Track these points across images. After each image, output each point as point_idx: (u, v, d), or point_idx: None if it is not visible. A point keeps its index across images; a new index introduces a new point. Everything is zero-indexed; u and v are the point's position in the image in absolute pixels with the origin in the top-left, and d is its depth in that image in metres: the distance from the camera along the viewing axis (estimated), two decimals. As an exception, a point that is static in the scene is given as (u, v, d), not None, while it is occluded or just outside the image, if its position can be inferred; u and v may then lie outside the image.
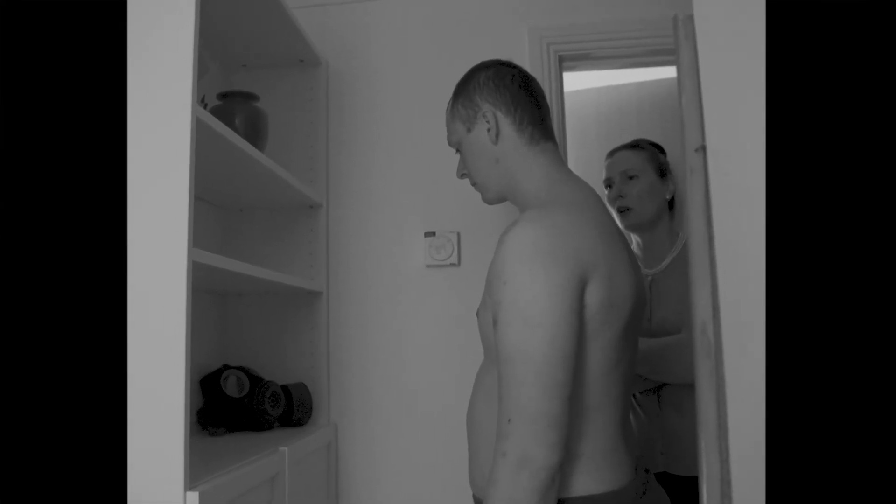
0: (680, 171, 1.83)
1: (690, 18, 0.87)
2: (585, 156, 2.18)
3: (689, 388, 1.41)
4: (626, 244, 1.14)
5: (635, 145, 1.78)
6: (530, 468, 0.92)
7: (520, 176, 1.18)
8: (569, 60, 2.00)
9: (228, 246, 1.92)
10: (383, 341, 1.93)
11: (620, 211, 1.73)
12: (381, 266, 1.95)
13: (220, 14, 1.63)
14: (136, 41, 1.12)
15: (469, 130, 1.21)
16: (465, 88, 1.23)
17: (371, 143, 2.00)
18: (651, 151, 1.77)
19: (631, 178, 1.73)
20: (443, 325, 1.90)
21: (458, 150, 1.27)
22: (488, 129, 1.19)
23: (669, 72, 2.20)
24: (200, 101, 1.32)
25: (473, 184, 1.27)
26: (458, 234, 1.92)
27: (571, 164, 1.60)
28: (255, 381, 1.72)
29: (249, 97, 1.66)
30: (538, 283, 0.97)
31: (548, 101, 1.27)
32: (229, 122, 1.50)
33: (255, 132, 1.61)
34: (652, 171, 1.73)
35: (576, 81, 2.28)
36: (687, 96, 0.86)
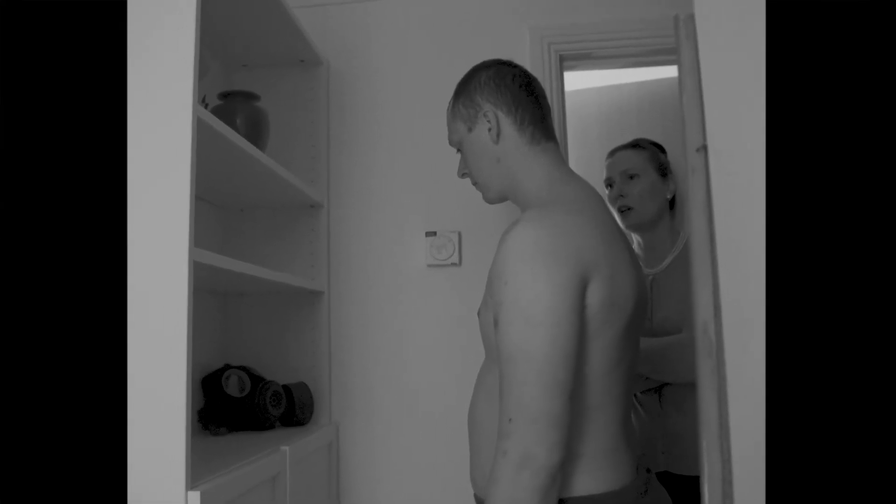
0: (680, 170, 1.83)
1: (691, 18, 0.87)
2: (586, 155, 2.18)
3: (691, 387, 1.41)
4: (627, 243, 1.13)
5: (636, 145, 1.78)
6: (531, 467, 0.92)
7: (521, 175, 1.18)
8: (570, 60, 2.00)
9: (229, 246, 1.92)
10: (384, 341, 1.93)
11: (621, 210, 1.73)
12: (383, 266, 1.95)
13: (221, 14, 1.63)
14: (137, 41, 1.12)
15: (470, 130, 1.21)
16: (466, 88, 1.23)
17: (372, 143, 2.00)
18: (652, 151, 1.77)
19: (632, 177, 1.72)
20: (444, 324, 1.90)
21: (459, 150, 1.27)
22: (489, 129, 1.19)
23: (670, 71, 2.20)
24: (201, 100, 1.32)
25: (474, 183, 1.27)
26: (459, 234, 1.92)
27: (572, 164, 1.60)
28: (257, 380, 1.73)
29: (250, 97, 1.66)
30: (539, 282, 0.97)
31: (548, 100, 1.27)
32: (230, 122, 1.50)
33: (255, 132, 1.62)
34: (653, 171, 1.73)
35: (577, 81, 2.28)
36: (688, 96, 0.86)
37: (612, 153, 1.81)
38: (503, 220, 1.85)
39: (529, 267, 0.98)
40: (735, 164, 0.80)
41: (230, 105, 1.62)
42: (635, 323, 1.10)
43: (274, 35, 1.79)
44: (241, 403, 1.67)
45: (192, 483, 1.06)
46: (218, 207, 1.90)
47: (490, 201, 1.27)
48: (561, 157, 1.21)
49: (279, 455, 1.42)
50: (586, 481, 1.02)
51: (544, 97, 1.24)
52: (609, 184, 1.78)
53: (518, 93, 1.19)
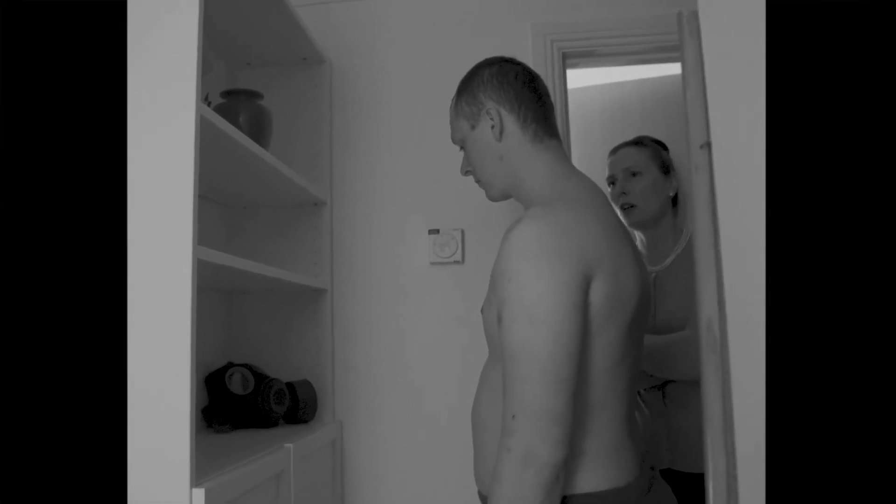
0: (683, 167, 1.82)
1: (695, 15, 0.87)
2: (589, 153, 2.17)
3: (694, 384, 1.41)
4: (630, 241, 1.13)
5: (638, 142, 1.78)
6: (535, 465, 0.93)
7: (524, 173, 1.18)
8: (572, 57, 2.00)
9: (232, 244, 1.92)
10: (388, 338, 1.93)
11: (624, 208, 1.73)
12: (386, 263, 1.95)
13: (224, 13, 1.63)
14: (140, 40, 1.12)
15: (473, 128, 1.21)
16: (469, 85, 1.23)
17: (375, 141, 2.00)
18: (654, 148, 1.77)
19: (634, 175, 1.72)
20: (447, 322, 1.90)
21: (461, 148, 1.27)
22: (492, 127, 1.18)
23: (673, 68, 2.20)
24: (204, 99, 1.32)
25: (477, 181, 1.27)
26: (462, 232, 1.92)
27: (575, 161, 1.59)
28: (260, 378, 1.73)
29: (253, 95, 1.66)
30: (543, 280, 0.97)
31: (551, 98, 1.27)
32: (233, 120, 1.50)
33: (259, 130, 1.62)
34: (655, 168, 1.73)
35: (579, 78, 2.28)
36: (691, 93, 0.86)
37: (615, 151, 1.81)
38: (506, 218, 1.85)
39: (533, 264, 0.98)
40: (739, 160, 0.80)
41: (233, 103, 1.62)
42: (638, 320, 1.10)
43: (277, 33, 1.79)
44: (244, 401, 1.67)
45: (196, 480, 1.06)
46: (221, 205, 1.90)
47: (493, 199, 1.27)
48: (564, 155, 1.21)
49: (283, 452, 1.42)
50: (590, 478, 1.02)
51: (547, 94, 1.24)
52: (611, 181, 1.78)
53: (521, 90, 1.19)
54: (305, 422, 1.79)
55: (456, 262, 1.91)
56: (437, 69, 1.96)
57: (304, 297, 1.90)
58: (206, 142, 1.20)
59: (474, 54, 1.34)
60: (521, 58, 1.28)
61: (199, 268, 1.13)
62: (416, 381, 1.90)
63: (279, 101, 1.92)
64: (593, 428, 1.03)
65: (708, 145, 0.83)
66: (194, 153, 1.11)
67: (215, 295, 1.85)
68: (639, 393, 1.68)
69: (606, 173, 1.80)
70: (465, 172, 1.29)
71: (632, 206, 1.71)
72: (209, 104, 1.52)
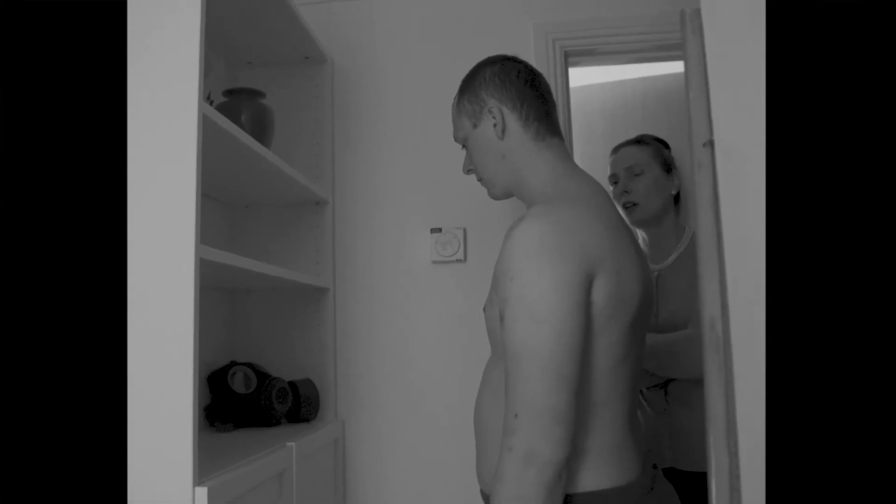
0: (685, 166, 1.82)
1: (698, 13, 0.87)
2: (591, 151, 2.17)
3: (696, 383, 1.42)
4: (633, 239, 1.13)
5: (639, 141, 1.78)
6: (537, 463, 0.93)
7: (526, 171, 1.18)
8: (574, 56, 1.99)
9: (235, 242, 1.93)
10: (390, 337, 1.93)
11: (626, 206, 1.73)
12: (388, 262, 1.95)
13: (226, 11, 1.63)
14: (142, 39, 1.12)
15: (475, 126, 1.21)
16: (471, 84, 1.23)
17: (377, 140, 2.00)
18: (655, 147, 1.77)
19: (636, 174, 1.72)
20: (449, 321, 1.90)
21: (464, 146, 1.27)
22: (494, 125, 1.18)
23: (675, 67, 2.20)
24: (206, 98, 1.32)
25: (480, 179, 1.27)
26: (465, 230, 1.92)
27: (577, 160, 1.59)
28: (263, 377, 1.73)
29: (255, 94, 1.66)
30: (545, 278, 0.97)
31: (553, 96, 1.26)
32: (235, 119, 1.50)
33: (260, 129, 1.62)
34: (657, 167, 1.73)
35: (581, 77, 2.28)
36: (694, 91, 0.86)
37: (616, 150, 1.81)
38: (508, 217, 1.85)
39: (535, 263, 0.98)
40: (742, 158, 0.80)
41: (235, 102, 1.62)
42: (641, 319, 1.10)
43: (278, 32, 1.79)
44: (247, 400, 1.68)
45: (199, 479, 1.07)
46: (224, 204, 1.91)
47: (495, 197, 1.27)
48: (566, 153, 1.21)
49: (285, 451, 1.43)
50: (592, 477, 1.02)
51: (549, 93, 1.24)
52: (613, 180, 1.78)
53: (523, 88, 1.19)
54: (307, 421, 1.79)
55: (458, 260, 1.91)
56: (439, 68, 1.96)
57: (307, 296, 1.91)
58: (209, 141, 1.20)
59: (476, 53, 1.34)
60: (522, 56, 1.28)
61: (202, 267, 1.14)
62: (419, 380, 1.90)
63: (281, 101, 1.92)
64: (595, 427, 1.03)
65: (710, 143, 0.83)
66: (197, 152, 1.11)
67: (217, 294, 1.85)
68: (641, 392, 1.68)
69: (608, 172, 1.80)
70: (468, 171, 1.29)
71: (634, 205, 1.71)
72: (211, 103, 1.52)
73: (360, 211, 1.98)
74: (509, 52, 1.29)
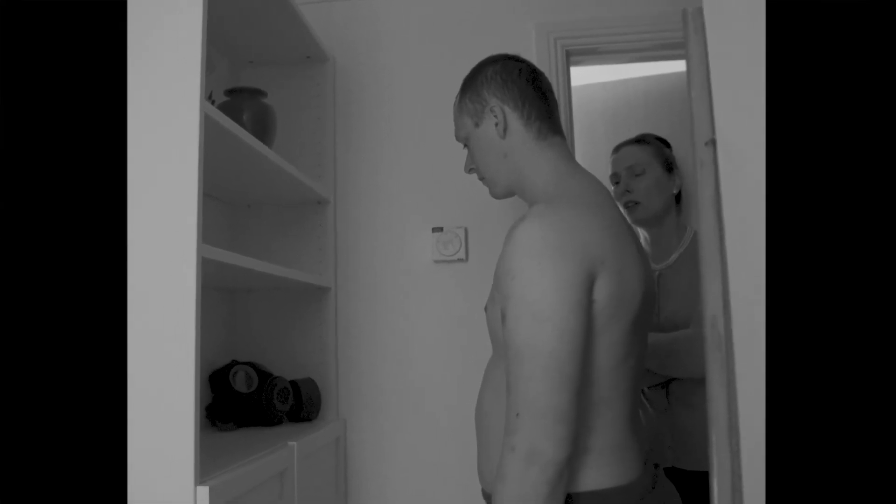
0: (686, 165, 1.82)
1: (700, 11, 0.87)
2: (593, 150, 2.17)
3: (698, 382, 1.41)
4: (635, 238, 1.13)
5: (641, 140, 1.78)
6: (539, 463, 0.92)
7: (528, 170, 1.18)
8: (576, 55, 1.99)
9: (236, 242, 1.93)
10: (391, 336, 1.93)
11: (627, 206, 1.73)
12: (389, 261, 1.95)
13: (227, 11, 1.63)
14: (144, 38, 1.13)
15: (477, 125, 1.21)
16: (473, 83, 1.23)
17: (378, 139, 2.00)
18: (657, 146, 1.76)
19: (637, 174, 1.72)
20: (450, 320, 1.90)
21: (465, 145, 1.27)
22: (496, 124, 1.18)
23: (676, 66, 2.19)
24: (208, 97, 1.32)
25: (481, 178, 1.26)
26: (466, 230, 1.92)
27: (579, 159, 1.58)
28: (264, 376, 1.73)
29: (257, 93, 1.66)
30: (546, 277, 0.97)
31: (555, 95, 1.26)
32: (237, 119, 1.50)
33: (262, 128, 1.62)
34: (658, 166, 1.73)
35: (583, 76, 2.28)
36: (696, 90, 0.86)
37: (617, 149, 1.81)
38: (510, 216, 1.85)
39: (536, 262, 0.98)
40: (744, 157, 0.80)
41: (237, 101, 1.62)
42: (643, 318, 1.10)
43: (280, 32, 1.79)
44: (248, 399, 1.68)
45: (200, 478, 1.07)
46: (225, 204, 1.91)
47: (497, 196, 1.27)
48: (568, 152, 1.21)
49: (287, 451, 1.43)
50: (594, 476, 1.02)
51: (551, 92, 1.23)
52: (615, 180, 1.78)
53: (525, 87, 1.19)
54: (309, 420, 1.79)
55: (459, 260, 1.91)
56: (441, 67, 1.96)
57: (308, 295, 1.91)
58: (210, 140, 1.20)
59: (478, 52, 1.34)
60: (524, 56, 1.28)
61: (204, 266, 1.14)
62: (420, 379, 1.90)
63: (282, 100, 1.92)
64: (597, 426, 1.03)
65: (713, 142, 0.83)
66: (198, 151, 1.11)
67: (219, 293, 1.85)
68: (642, 391, 1.68)
69: (609, 171, 1.80)
70: (469, 170, 1.29)
71: (636, 204, 1.71)
72: (213, 102, 1.52)
73: (361, 210, 1.98)
74: (511, 51, 1.29)
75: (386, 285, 1.95)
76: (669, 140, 1.83)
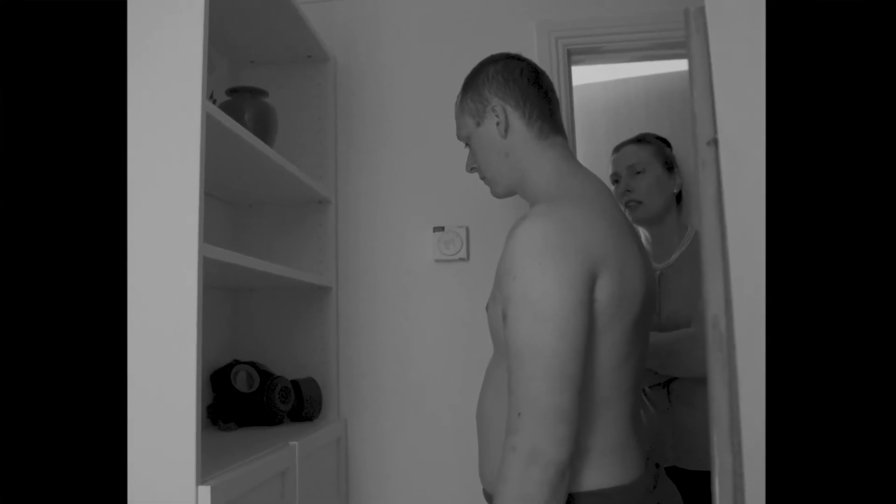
0: (686, 164, 1.82)
1: (702, 11, 0.86)
2: (594, 150, 2.17)
3: (699, 381, 1.41)
4: (636, 237, 1.13)
5: (641, 139, 1.78)
6: (540, 462, 0.92)
7: (529, 170, 1.18)
8: (577, 54, 1.99)
9: (238, 241, 1.93)
10: (392, 336, 1.93)
11: (628, 205, 1.72)
12: (390, 261, 1.95)
13: (228, 10, 1.63)
14: (144, 38, 1.13)
15: (478, 124, 1.21)
16: (475, 82, 1.23)
17: (379, 138, 2.00)
18: (657, 145, 1.76)
19: (638, 172, 1.72)
20: (452, 319, 1.90)
21: (467, 145, 1.27)
22: (497, 123, 1.18)
23: (678, 65, 2.19)
24: (209, 97, 1.32)
25: (483, 178, 1.26)
26: (467, 229, 1.92)
27: (580, 158, 1.59)
28: (265, 376, 1.73)
29: (258, 93, 1.66)
30: (548, 277, 0.97)
31: (556, 94, 1.26)
32: (238, 118, 1.50)
33: (263, 128, 1.62)
34: (658, 165, 1.73)
35: (584, 75, 2.28)
36: (698, 89, 0.86)
37: (618, 148, 1.80)
38: (511, 215, 1.85)
39: (538, 262, 0.98)
40: (746, 157, 0.80)
41: (238, 101, 1.62)
42: (644, 317, 1.09)
43: (281, 31, 1.79)
44: (249, 399, 1.68)
45: (202, 478, 1.07)
46: (227, 203, 1.91)
47: (498, 196, 1.26)
48: (569, 151, 1.21)
49: (288, 450, 1.43)
50: (595, 476, 1.02)
51: (553, 91, 1.23)
52: (615, 179, 1.78)
53: (526, 87, 1.19)
54: (310, 420, 1.79)
55: (461, 259, 1.91)
56: (442, 66, 1.96)
57: (309, 294, 1.91)
58: (212, 139, 1.20)
59: (479, 51, 1.34)
60: (525, 55, 1.27)
61: (205, 265, 1.14)
62: (421, 379, 1.90)
63: (283, 99, 1.92)
64: (599, 426, 1.03)
65: (715, 142, 0.83)
66: (200, 151, 1.11)
67: (220, 293, 1.85)
68: (644, 390, 1.68)
69: (609, 171, 1.80)
70: (471, 169, 1.29)
71: (637, 203, 1.71)
72: (214, 102, 1.52)
73: (362, 210, 1.98)
74: (512, 50, 1.29)
75: (387, 285, 1.95)
76: (670, 139, 1.83)
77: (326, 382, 1.87)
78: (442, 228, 1.91)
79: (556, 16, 1.95)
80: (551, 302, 0.96)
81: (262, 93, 1.67)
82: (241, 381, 1.69)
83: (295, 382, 1.77)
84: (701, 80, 0.85)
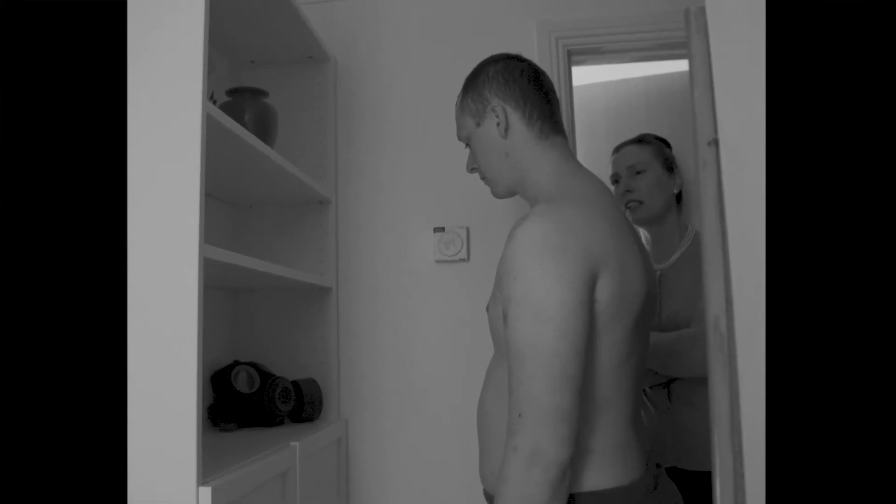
0: (687, 165, 1.82)
1: (702, 11, 0.86)
2: (594, 150, 2.17)
3: (700, 382, 1.41)
4: (636, 237, 1.13)
5: (641, 140, 1.78)
6: (542, 463, 0.92)
7: (530, 170, 1.18)
8: (577, 55, 1.99)
9: (238, 242, 1.93)
10: (393, 336, 1.93)
11: (629, 205, 1.72)
12: (391, 261, 1.95)
13: (228, 11, 1.63)
14: (144, 38, 1.13)
15: (479, 125, 1.21)
16: (475, 82, 1.23)
17: (380, 139, 2.00)
18: (657, 146, 1.76)
19: (638, 172, 1.72)
20: (452, 320, 1.90)
21: (467, 145, 1.27)
22: (497, 124, 1.18)
23: (678, 65, 2.19)
24: (210, 97, 1.32)
25: (483, 178, 1.26)
26: (468, 230, 1.92)
27: (580, 159, 1.58)
28: (266, 376, 1.73)
29: (258, 93, 1.66)
30: (548, 277, 0.97)
31: (557, 94, 1.26)
32: (239, 119, 1.50)
33: (264, 128, 1.62)
34: (658, 166, 1.73)
35: (584, 76, 2.28)
36: (699, 89, 0.86)
37: (618, 149, 1.80)
38: (512, 216, 1.85)
39: (538, 262, 0.98)
40: (747, 157, 0.80)
41: (238, 101, 1.62)
42: (645, 318, 1.09)
43: (281, 32, 1.79)
44: (250, 399, 1.68)
45: (202, 479, 1.07)
46: (227, 204, 1.91)
47: (498, 196, 1.26)
48: (570, 152, 1.21)
49: (289, 451, 1.43)
50: (596, 476, 1.02)
51: (553, 91, 1.23)
52: (615, 180, 1.78)
53: (527, 87, 1.19)
54: (311, 420, 1.79)
55: (461, 260, 1.91)
56: (442, 67, 1.96)
57: (310, 295, 1.91)
58: (212, 140, 1.20)
59: (479, 52, 1.34)
60: (526, 55, 1.27)
61: (205, 266, 1.14)
62: (422, 380, 1.90)
63: (284, 100, 1.92)
64: (599, 426, 1.03)
65: (715, 142, 0.83)
66: (200, 151, 1.11)
67: (221, 293, 1.85)
68: (644, 391, 1.68)
69: (610, 171, 1.80)
70: (471, 170, 1.29)
71: (637, 203, 1.71)
72: (214, 102, 1.52)
73: (363, 210, 1.98)
74: (512, 50, 1.29)
75: (388, 285, 1.95)
76: (670, 140, 1.83)
77: (327, 383, 1.87)
78: (442, 229, 1.91)
79: (557, 16, 1.95)
80: (552, 302, 0.96)
81: (263, 93, 1.67)
82: (242, 382, 1.69)
83: (295, 383, 1.77)
84: (701, 80, 0.85)
